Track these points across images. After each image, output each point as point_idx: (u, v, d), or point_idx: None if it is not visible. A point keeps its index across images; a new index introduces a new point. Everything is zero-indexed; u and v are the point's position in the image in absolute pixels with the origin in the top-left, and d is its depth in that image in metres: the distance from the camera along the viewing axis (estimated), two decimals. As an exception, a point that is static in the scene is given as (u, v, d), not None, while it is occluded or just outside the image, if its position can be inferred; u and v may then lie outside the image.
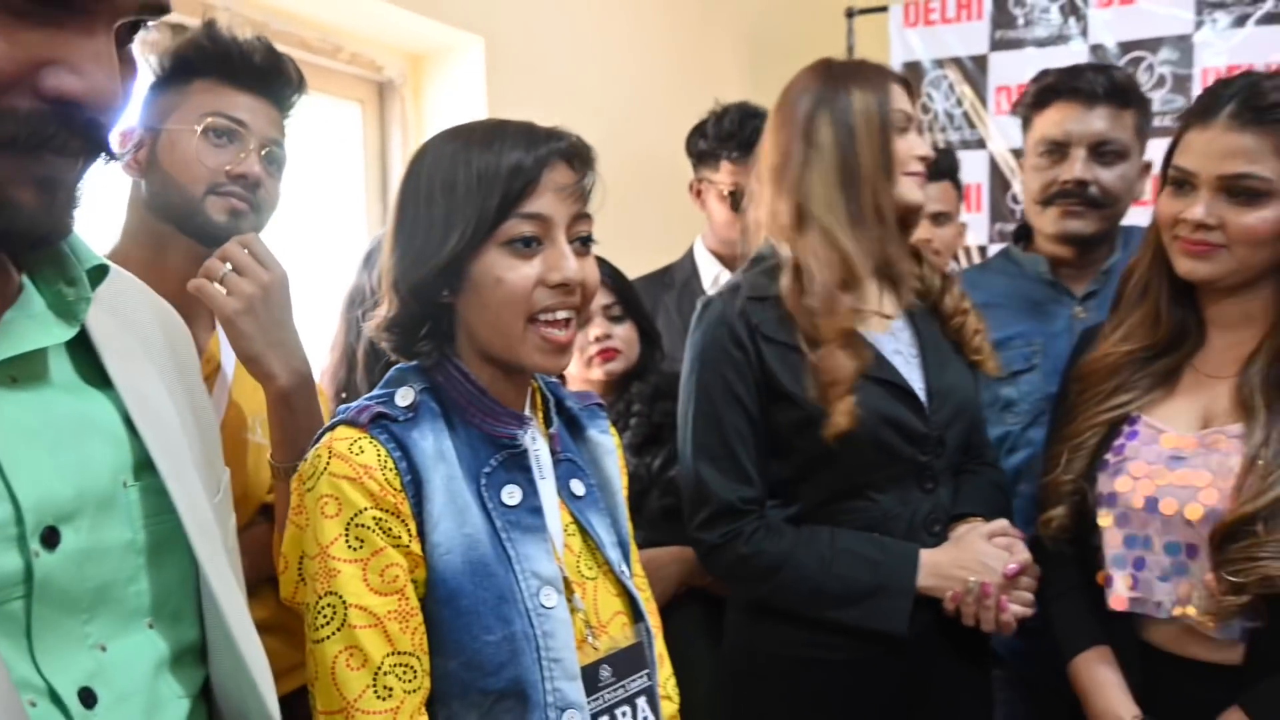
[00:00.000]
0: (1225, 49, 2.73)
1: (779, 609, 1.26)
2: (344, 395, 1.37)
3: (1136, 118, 1.52)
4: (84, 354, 0.60)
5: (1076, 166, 1.48)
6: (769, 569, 1.24)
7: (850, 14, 3.15)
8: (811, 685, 1.25)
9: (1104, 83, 1.49)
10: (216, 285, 1.04)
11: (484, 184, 0.88)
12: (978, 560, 1.19)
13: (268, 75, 1.17)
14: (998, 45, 2.94)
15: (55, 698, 0.52)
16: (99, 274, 0.60)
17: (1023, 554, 1.20)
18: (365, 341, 1.36)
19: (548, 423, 1.00)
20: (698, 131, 2.03)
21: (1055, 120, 1.51)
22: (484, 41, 2.38)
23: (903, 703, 1.24)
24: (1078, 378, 1.22)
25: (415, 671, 0.86)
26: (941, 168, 1.93)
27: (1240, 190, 1.06)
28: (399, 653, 0.85)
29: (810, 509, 1.28)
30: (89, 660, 0.55)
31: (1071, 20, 2.86)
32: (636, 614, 0.99)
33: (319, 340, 1.48)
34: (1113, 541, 1.11)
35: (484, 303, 0.90)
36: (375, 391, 0.95)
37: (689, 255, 2.07)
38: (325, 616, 0.84)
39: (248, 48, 1.15)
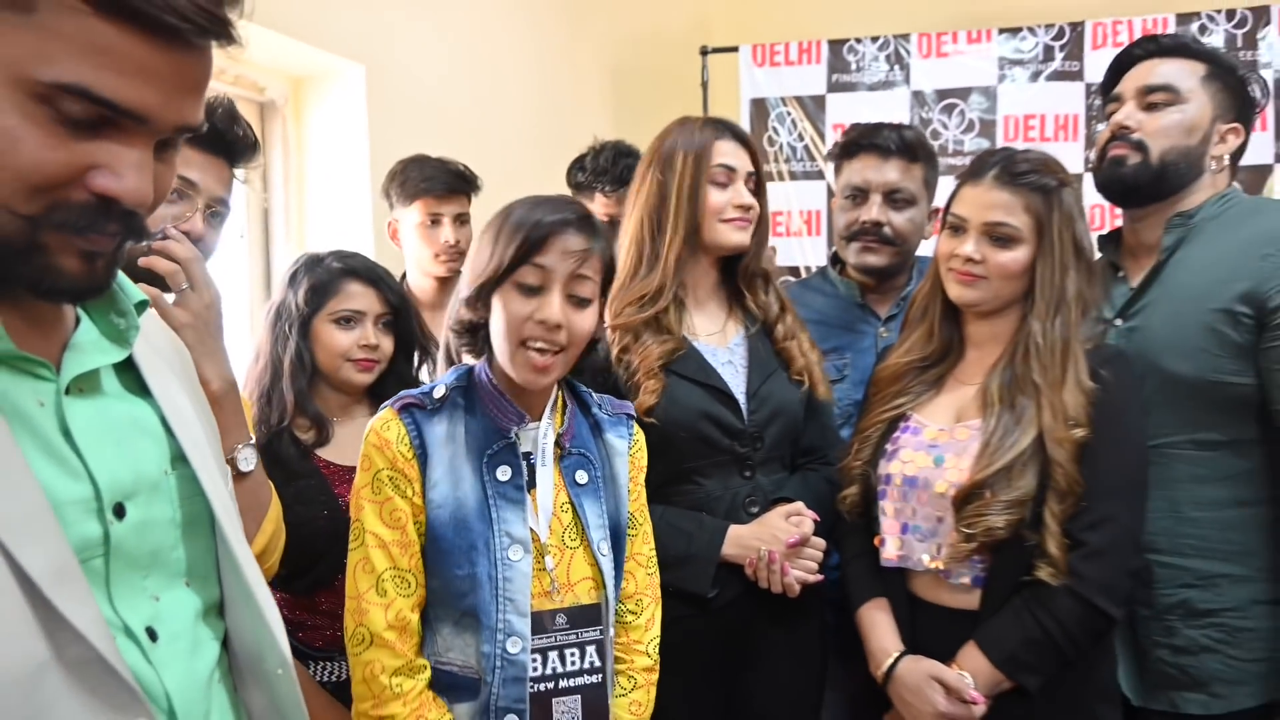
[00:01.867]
0: (1022, 99, 3.19)
1: None
2: (269, 398, 1.53)
3: (924, 170, 1.83)
4: (126, 370, 0.78)
5: (874, 210, 1.78)
6: None
7: (704, 52, 3.46)
8: None
9: (896, 140, 1.79)
10: (168, 298, 1.19)
11: (515, 235, 1.17)
12: (770, 533, 1.46)
13: (224, 136, 1.32)
14: (834, 87, 3.32)
15: (129, 633, 0.70)
16: (141, 307, 0.78)
17: (806, 528, 1.44)
18: (292, 352, 1.54)
19: (562, 419, 1.26)
20: (576, 165, 2.26)
21: (858, 169, 1.82)
22: (365, 68, 2.53)
23: (726, 659, 1.50)
24: (872, 383, 1.53)
25: (410, 584, 1.19)
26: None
27: (998, 235, 1.37)
28: (397, 568, 1.18)
29: (649, 491, 1.52)
30: (149, 607, 0.73)
31: (897, 69, 3.27)
32: (602, 583, 1.25)
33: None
34: (887, 512, 1.41)
35: (496, 326, 1.20)
36: (430, 384, 1.26)
37: None
38: (355, 535, 1.20)
39: (208, 108, 1.29)
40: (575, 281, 1.19)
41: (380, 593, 1.17)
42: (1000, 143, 3.20)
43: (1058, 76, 3.15)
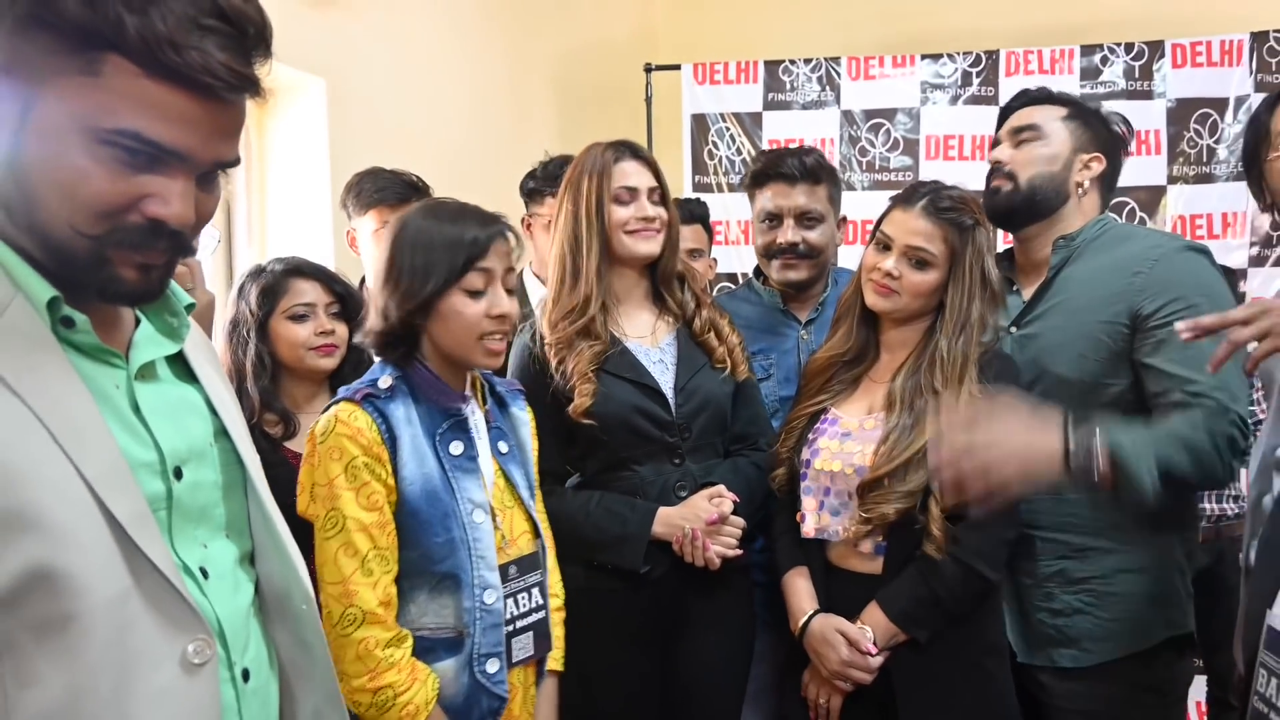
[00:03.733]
0: (943, 120, 3.46)
1: (571, 552, 1.69)
2: (239, 400, 1.70)
3: (828, 190, 2.04)
4: (176, 360, 0.95)
5: (789, 233, 1.99)
6: (552, 522, 1.66)
7: (648, 69, 3.67)
8: (590, 610, 1.68)
9: (799, 166, 1.99)
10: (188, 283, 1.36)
11: (452, 248, 1.35)
12: (694, 513, 1.66)
13: None
14: (770, 105, 3.56)
15: (188, 571, 0.88)
16: (190, 308, 0.96)
17: (725, 508, 1.63)
18: (252, 356, 1.72)
19: (484, 401, 1.47)
20: (529, 175, 2.45)
21: (769, 197, 2.03)
22: (325, 82, 2.69)
23: (659, 628, 1.70)
24: (803, 377, 1.75)
25: (388, 560, 1.34)
26: (694, 214, 2.43)
27: (916, 258, 1.59)
28: (377, 548, 1.32)
29: (590, 477, 1.76)
30: (200, 552, 0.90)
31: (828, 89, 3.52)
32: (536, 533, 1.48)
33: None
34: (807, 492, 1.63)
35: (449, 327, 1.38)
36: (364, 378, 1.40)
37: (519, 280, 2.49)
38: (332, 523, 1.31)
39: None
40: (508, 275, 1.42)
41: (367, 573, 1.31)
42: (923, 160, 3.47)
43: (975, 100, 3.43)
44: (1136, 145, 3.35)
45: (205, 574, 0.90)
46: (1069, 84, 3.38)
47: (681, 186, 3.62)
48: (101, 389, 0.85)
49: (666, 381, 1.75)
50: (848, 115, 3.52)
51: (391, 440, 1.34)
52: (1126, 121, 1.85)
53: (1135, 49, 3.35)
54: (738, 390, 1.82)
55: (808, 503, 1.60)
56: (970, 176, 3.33)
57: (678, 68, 3.62)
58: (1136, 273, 1.60)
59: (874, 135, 3.50)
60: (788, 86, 3.54)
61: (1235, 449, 1.48)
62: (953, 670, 1.49)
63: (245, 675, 0.92)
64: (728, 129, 3.59)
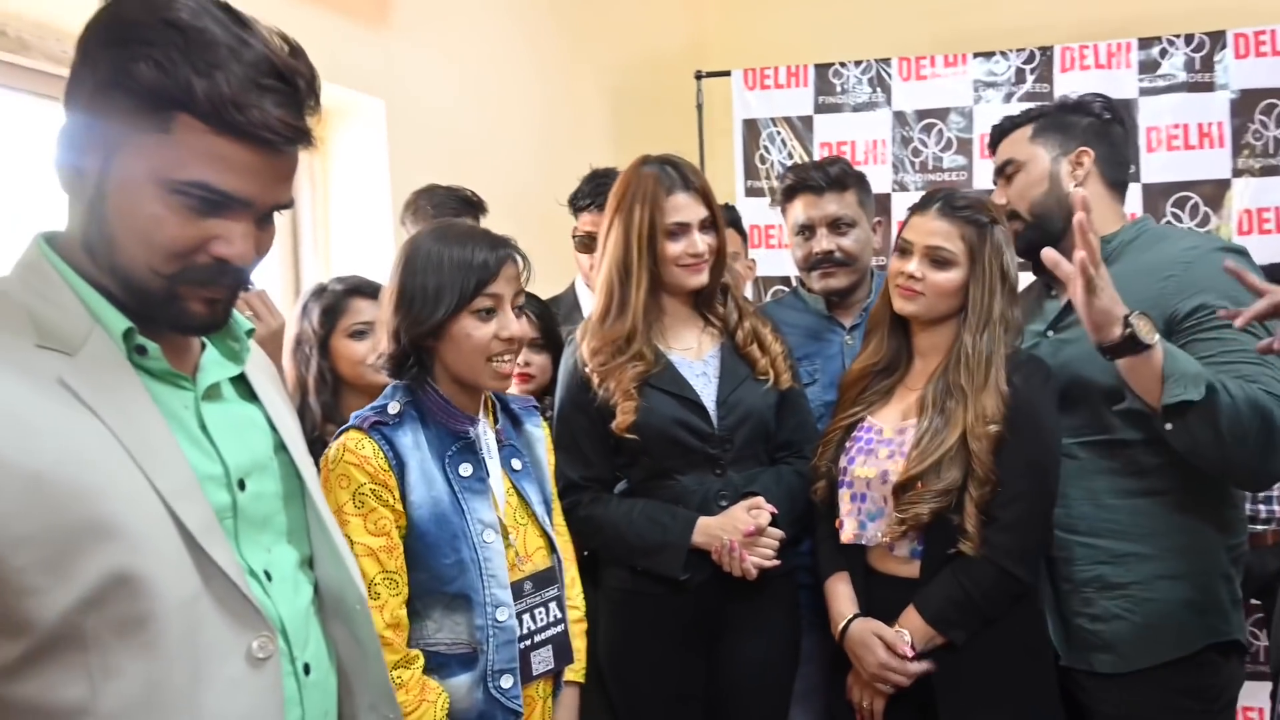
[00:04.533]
0: (996, 118, 3.43)
1: (615, 557, 1.78)
2: (300, 415, 1.80)
3: (857, 194, 2.09)
4: (239, 381, 1.04)
5: (822, 242, 2.05)
6: (596, 528, 1.77)
7: (699, 76, 3.73)
8: (634, 612, 1.78)
9: (824, 177, 2.05)
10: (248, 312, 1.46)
11: (462, 272, 1.40)
12: (732, 524, 1.70)
13: None
14: (820, 109, 3.58)
15: (253, 574, 0.97)
16: (250, 334, 1.05)
17: (762, 520, 1.67)
18: (315, 371, 1.81)
19: (496, 421, 1.52)
20: (578, 192, 2.53)
21: (800, 209, 2.09)
22: (384, 103, 2.81)
23: (701, 632, 1.76)
24: (840, 389, 1.79)
25: (396, 584, 1.37)
26: (727, 220, 2.46)
27: (937, 258, 1.62)
28: (385, 571, 1.36)
29: (635, 485, 1.82)
30: (264, 556, 0.99)
31: (879, 90, 3.53)
32: (552, 548, 1.52)
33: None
34: (845, 498, 1.67)
35: (459, 349, 1.42)
36: (375, 403, 1.43)
37: (571, 290, 2.57)
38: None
39: None
40: (516, 297, 1.47)
41: (374, 596, 1.34)
42: (976, 159, 3.45)
43: (1029, 98, 3.40)
44: (1199, 138, 3.31)
45: (269, 577, 0.99)
46: (1127, 78, 3.35)
47: (734, 191, 3.66)
48: (172, 409, 0.94)
49: (709, 395, 1.79)
50: (899, 116, 3.52)
51: (399, 466, 1.38)
52: (1103, 97, 1.83)
53: (1195, 40, 3.29)
54: (783, 399, 1.86)
55: (845, 509, 1.64)
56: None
57: (728, 74, 3.66)
58: (1169, 276, 1.60)
59: (926, 135, 3.50)
60: (838, 89, 3.56)
61: None
62: (991, 672, 1.52)
63: (306, 669, 1.00)
64: (778, 133, 3.63)
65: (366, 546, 1.35)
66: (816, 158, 3.57)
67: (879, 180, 3.56)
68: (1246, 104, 3.26)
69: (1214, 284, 1.53)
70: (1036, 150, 1.76)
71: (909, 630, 1.55)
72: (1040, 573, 1.58)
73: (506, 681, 1.41)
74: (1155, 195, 3.32)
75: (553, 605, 1.49)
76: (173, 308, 0.92)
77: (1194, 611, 1.57)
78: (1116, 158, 1.78)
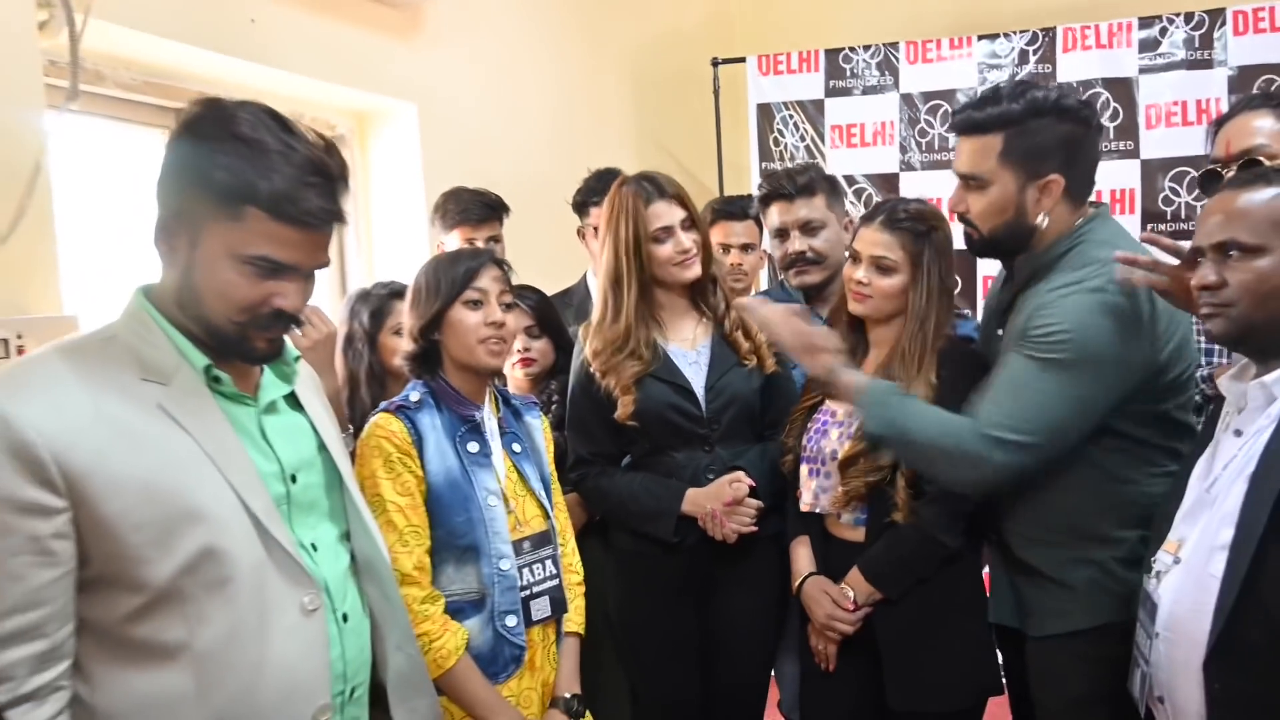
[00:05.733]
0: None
1: (619, 522, 2.09)
2: (351, 404, 2.11)
3: (826, 198, 2.32)
4: (289, 396, 1.35)
5: (795, 243, 2.30)
6: (602, 496, 2.08)
7: (715, 62, 3.94)
8: (637, 570, 2.08)
9: (792, 184, 2.30)
10: (296, 331, 1.77)
11: (452, 270, 1.74)
12: (715, 495, 1.98)
13: None
14: (831, 92, 3.78)
15: (303, 546, 1.28)
16: (297, 359, 1.35)
17: (740, 491, 1.93)
18: (364, 366, 2.12)
19: (498, 409, 1.83)
20: (578, 192, 2.79)
21: (775, 215, 2.35)
22: (416, 107, 3.09)
23: (692, 587, 2.06)
24: (805, 377, 2.04)
25: (420, 535, 1.68)
26: (746, 211, 2.70)
27: (881, 265, 1.84)
28: (411, 524, 1.66)
29: (636, 460, 2.11)
30: (311, 533, 1.30)
31: (887, 74, 3.72)
32: (547, 517, 1.83)
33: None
34: (804, 472, 1.93)
35: (456, 335, 1.74)
36: (400, 395, 1.77)
37: (583, 282, 2.84)
38: (375, 506, 1.63)
39: None
40: (504, 294, 1.77)
41: (404, 544, 1.64)
42: (981, 139, 3.63)
43: (1032, 78, 3.56)
44: (1197, 115, 3.45)
45: (315, 548, 1.30)
46: (1127, 58, 3.49)
47: (749, 173, 3.89)
48: (240, 422, 1.25)
49: (699, 381, 2.07)
50: (907, 99, 3.71)
51: (419, 440, 1.69)
52: (1077, 99, 1.73)
53: (1195, 18, 3.42)
54: (769, 382, 2.11)
55: (804, 482, 1.91)
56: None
57: (743, 60, 3.87)
58: (1039, 306, 1.66)
59: (933, 117, 3.68)
60: (848, 73, 3.76)
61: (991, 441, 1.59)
62: (926, 622, 1.78)
63: (345, 618, 1.32)
64: (791, 116, 3.84)
65: (395, 504, 1.65)
66: (828, 140, 3.79)
67: (887, 161, 3.77)
68: (1245, 80, 3.38)
69: (1062, 315, 1.60)
70: (1004, 174, 1.68)
71: (852, 587, 1.82)
72: (959, 536, 1.79)
73: (511, 620, 1.72)
74: (1154, 170, 3.48)
75: (548, 563, 1.80)
76: (243, 346, 1.24)
77: (1101, 592, 1.66)
78: (1086, 173, 1.72)
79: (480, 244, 2.67)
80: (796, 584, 1.92)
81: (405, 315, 1.80)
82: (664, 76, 4.15)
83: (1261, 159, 1.76)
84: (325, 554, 1.31)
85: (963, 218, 1.78)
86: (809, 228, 2.31)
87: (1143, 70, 3.49)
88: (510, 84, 3.50)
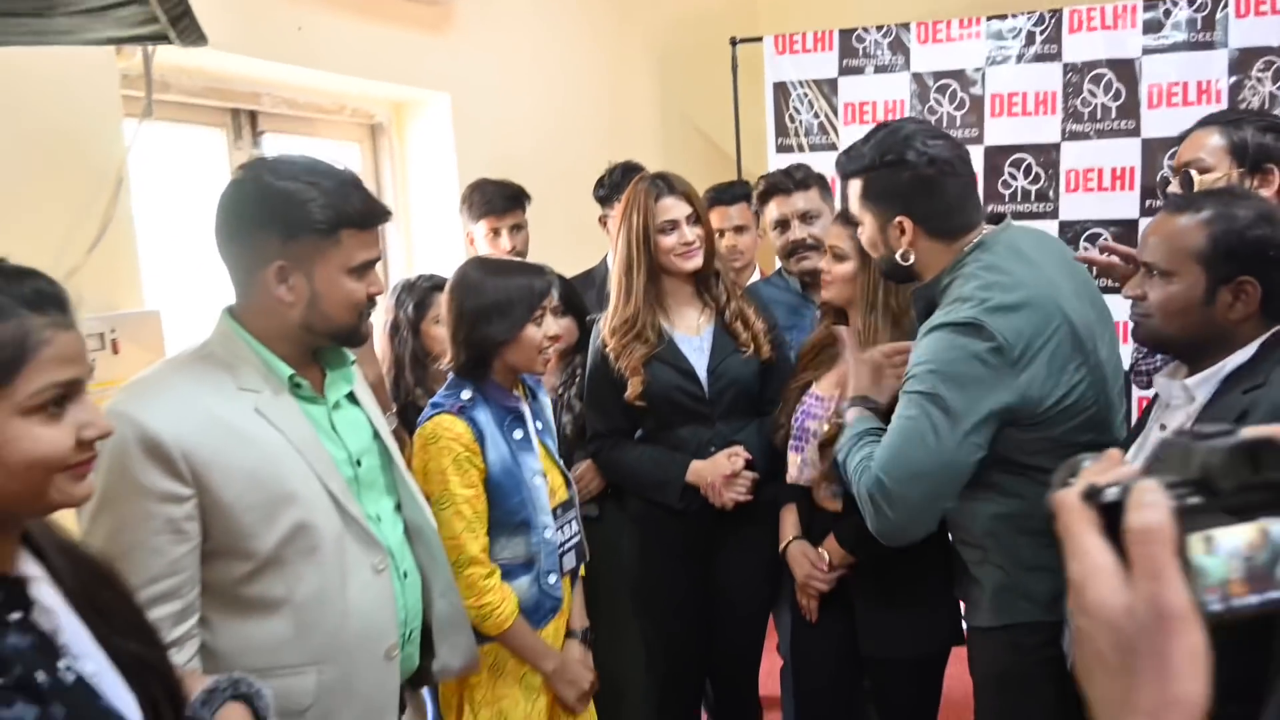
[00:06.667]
0: (1007, 79, 3.81)
1: (630, 489, 2.41)
2: (396, 385, 2.42)
3: (819, 191, 2.60)
4: (348, 393, 1.66)
5: (796, 231, 2.59)
6: (615, 467, 2.39)
7: (734, 42, 4.14)
8: (647, 532, 2.40)
9: (790, 181, 2.59)
10: None
11: (526, 295, 1.96)
12: (714, 468, 2.27)
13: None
14: (845, 71, 3.98)
15: (369, 517, 1.59)
16: (353, 361, 1.66)
17: (737, 465, 2.21)
18: (409, 352, 2.42)
19: (526, 395, 2.10)
20: (599, 183, 3.05)
21: (775, 208, 2.63)
22: (449, 96, 3.35)
23: (699, 547, 2.36)
24: (799, 357, 2.29)
25: (483, 521, 1.95)
26: (738, 194, 2.92)
27: (836, 254, 2.08)
28: (476, 512, 1.93)
29: (646, 434, 2.40)
30: (375, 506, 1.61)
31: (898, 54, 3.91)
32: (568, 484, 2.13)
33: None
34: (792, 448, 2.19)
35: (523, 349, 1.96)
36: (450, 392, 2.00)
37: (603, 263, 3.11)
38: (446, 499, 1.88)
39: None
40: (556, 307, 2.05)
41: (471, 530, 1.90)
42: (988, 118, 3.83)
43: (1039, 59, 3.75)
44: (1198, 95, 3.62)
45: (379, 519, 1.62)
46: (1131, 39, 3.66)
47: (766, 150, 4.12)
48: (316, 419, 1.56)
49: (701, 366, 2.35)
50: (917, 78, 3.91)
51: (480, 437, 1.92)
52: (925, 147, 1.74)
53: (1198, 1, 3.57)
54: (768, 367, 2.38)
55: (791, 457, 2.19)
56: (1031, 132, 3.73)
57: (760, 39, 4.07)
58: (919, 337, 1.76)
59: (942, 96, 3.88)
60: (860, 53, 3.95)
61: (875, 499, 1.70)
62: (893, 581, 2.05)
63: (405, 575, 1.64)
64: (806, 95, 4.05)
65: (464, 496, 1.89)
66: (841, 118, 4.01)
67: (897, 138, 3.98)
68: (1244, 62, 3.55)
69: (925, 353, 1.70)
70: (866, 214, 1.82)
71: (829, 550, 2.12)
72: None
73: (552, 579, 2.03)
74: (1154, 150, 3.66)
75: (573, 522, 2.11)
76: (355, 334, 1.57)
77: (1010, 593, 1.78)
78: (942, 209, 1.76)
79: (505, 232, 2.95)
80: (782, 547, 2.22)
81: (458, 331, 1.97)
82: (689, 54, 4.37)
83: (1193, 172, 2.00)
84: (386, 523, 1.63)
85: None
86: (807, 216, 2.59)
87: (1146, 51, 3.66)
88: (538, 70, 3.74)
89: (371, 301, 1.56)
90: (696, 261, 2.33)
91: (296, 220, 1.45)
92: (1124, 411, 1.85)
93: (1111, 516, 0.57)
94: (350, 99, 3.23)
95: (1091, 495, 0.59)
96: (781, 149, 4.10)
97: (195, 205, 2.70)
